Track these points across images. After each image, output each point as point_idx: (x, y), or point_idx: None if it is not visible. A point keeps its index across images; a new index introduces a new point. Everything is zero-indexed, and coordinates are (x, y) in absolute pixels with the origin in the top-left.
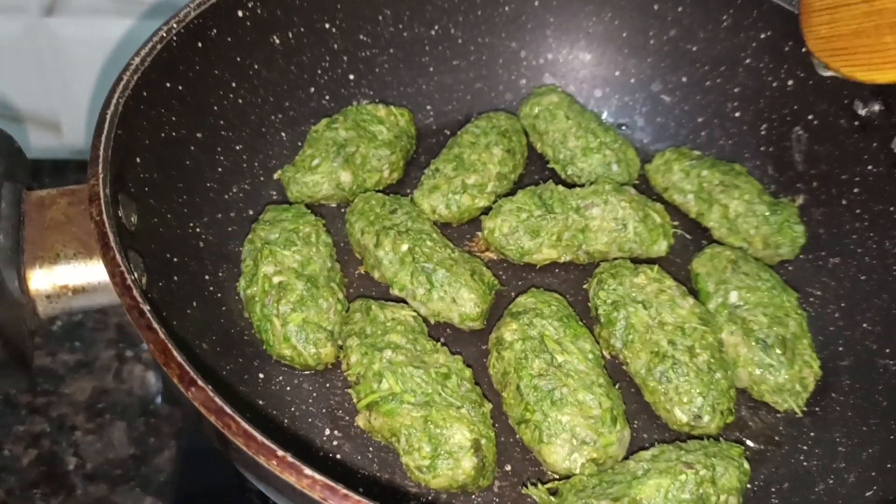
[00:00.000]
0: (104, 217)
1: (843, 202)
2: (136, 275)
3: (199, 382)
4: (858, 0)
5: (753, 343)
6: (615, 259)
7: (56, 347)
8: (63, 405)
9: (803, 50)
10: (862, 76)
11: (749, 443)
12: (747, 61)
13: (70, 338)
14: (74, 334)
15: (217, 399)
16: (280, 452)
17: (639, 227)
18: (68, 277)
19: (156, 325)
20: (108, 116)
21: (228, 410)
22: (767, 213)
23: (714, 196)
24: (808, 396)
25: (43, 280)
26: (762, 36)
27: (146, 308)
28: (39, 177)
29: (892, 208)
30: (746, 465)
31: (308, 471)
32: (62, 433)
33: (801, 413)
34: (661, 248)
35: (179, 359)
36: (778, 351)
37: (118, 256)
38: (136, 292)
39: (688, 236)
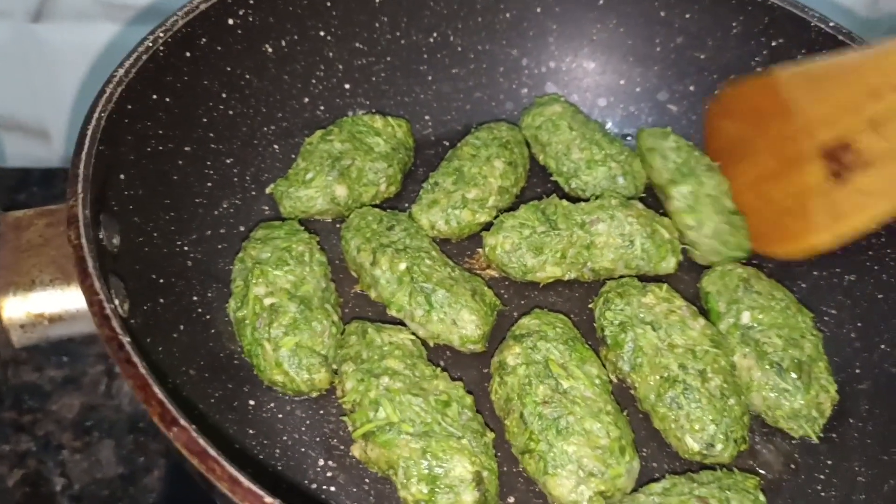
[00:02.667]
0: (83, 241)
1: None
2: (116, 302)
3: (182, 422)
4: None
5: (767, 366)
6: (622, 277)
7: (43, 363)
8: (49, 423)
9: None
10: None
11: (763, 472)
12: (758, 70)
13: (57, 352)
14: (62, 349)
15: (200, 440)
16: (268, 499)
17: (646, 243)
18: (44, 305)
19: (135, 359)
20: (90, 132)
21: (212, 452)
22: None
23: (697, 173)
24: (824, 422)
25: (17, 308)
26: (773, 44)
27: (125, 340)
28: (28, 186)
29: None
30: (762, 498)
31: None
32: (48, 452)
33: (817, 440)
34: (669, 264)
35: (160, 395)
36: (793, 375)
37: (97, 284)
38: (114, 322)
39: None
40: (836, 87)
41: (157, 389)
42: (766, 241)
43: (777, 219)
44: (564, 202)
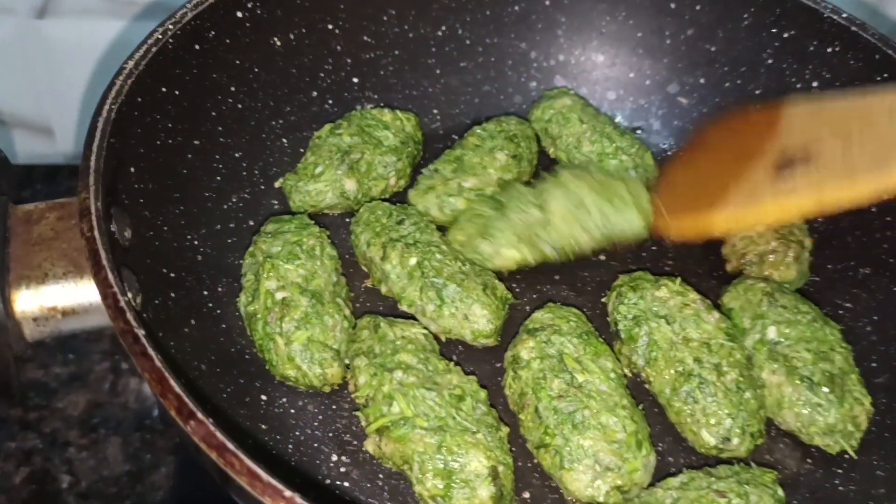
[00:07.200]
0: (95, 233)
1: (873, 209)
2: (130, 295)
3: (199, 415)
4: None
5: (798, 381)
6: (600, 254)
7: (48, 360)
8: (56, 420)
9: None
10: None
11: (780, 466)
12: (769, 62)
13: (63, 350)
14: (68, 346)
15: (219, 434)
16: (288, 493)
17: (605, 206)
18: (57, 298)
19: (151, 352)
20: (100, 124)
21: (231, 446)
22: None
23: None
24: (861, 436)
25: (29, 301)
26: (785, 35)
27: (141, 333)
28: (31, 183)
29: None
30: (781, 493)
31: None
32: (55, 449)
33: (855, 456)
34: (634, 225)
35: (178, 389)
36: (825, 389)
37: (110, 276)
38: (129, 315)
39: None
40: (831, 118)
41: (173, 383)
42: (676, 212)
43: (696, 192)
44: (518, 185)
